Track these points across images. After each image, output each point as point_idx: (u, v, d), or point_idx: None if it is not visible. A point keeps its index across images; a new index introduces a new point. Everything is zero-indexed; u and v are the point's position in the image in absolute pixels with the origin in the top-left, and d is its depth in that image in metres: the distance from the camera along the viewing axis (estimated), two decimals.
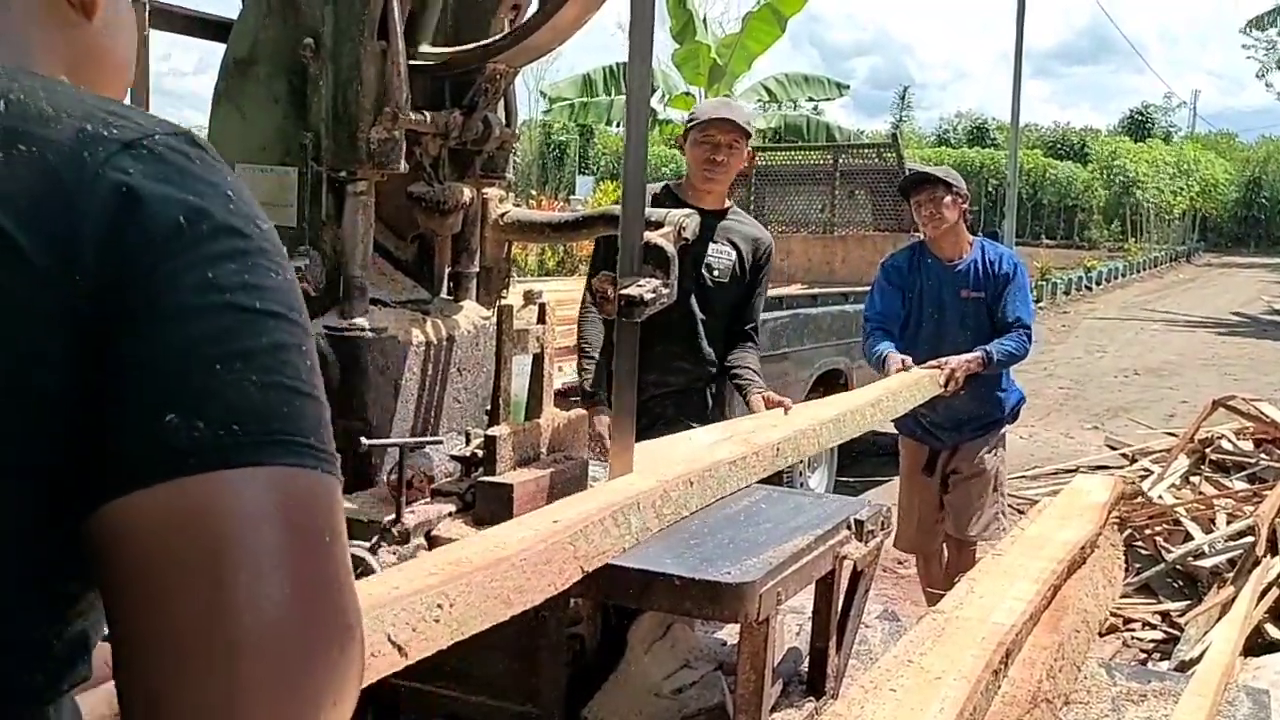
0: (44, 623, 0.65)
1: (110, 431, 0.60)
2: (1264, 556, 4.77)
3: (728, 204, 3.71)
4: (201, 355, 0.61)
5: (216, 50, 2.49)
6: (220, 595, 0.59)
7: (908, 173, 8.33)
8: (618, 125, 25.05)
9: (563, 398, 3.99)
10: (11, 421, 0.60)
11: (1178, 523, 5.54)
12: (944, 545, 4.66)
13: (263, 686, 0.59)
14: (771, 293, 7.18)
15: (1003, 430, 4.66)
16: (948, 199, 4.34)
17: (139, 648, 0.60)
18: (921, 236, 4.58)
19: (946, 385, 4.18)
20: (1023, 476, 7.65)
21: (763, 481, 2.56)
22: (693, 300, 3.40)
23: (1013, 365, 4.43)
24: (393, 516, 2.05)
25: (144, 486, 0.59)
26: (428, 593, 1.48)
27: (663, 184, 3.64)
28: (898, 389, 3.88)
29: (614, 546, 1.92)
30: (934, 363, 4.20)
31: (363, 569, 1.97)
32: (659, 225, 2.39)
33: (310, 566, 0.62)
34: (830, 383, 6.73)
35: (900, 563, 5.32)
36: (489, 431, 2.22)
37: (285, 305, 0.65)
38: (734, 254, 3.54)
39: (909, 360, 4.18)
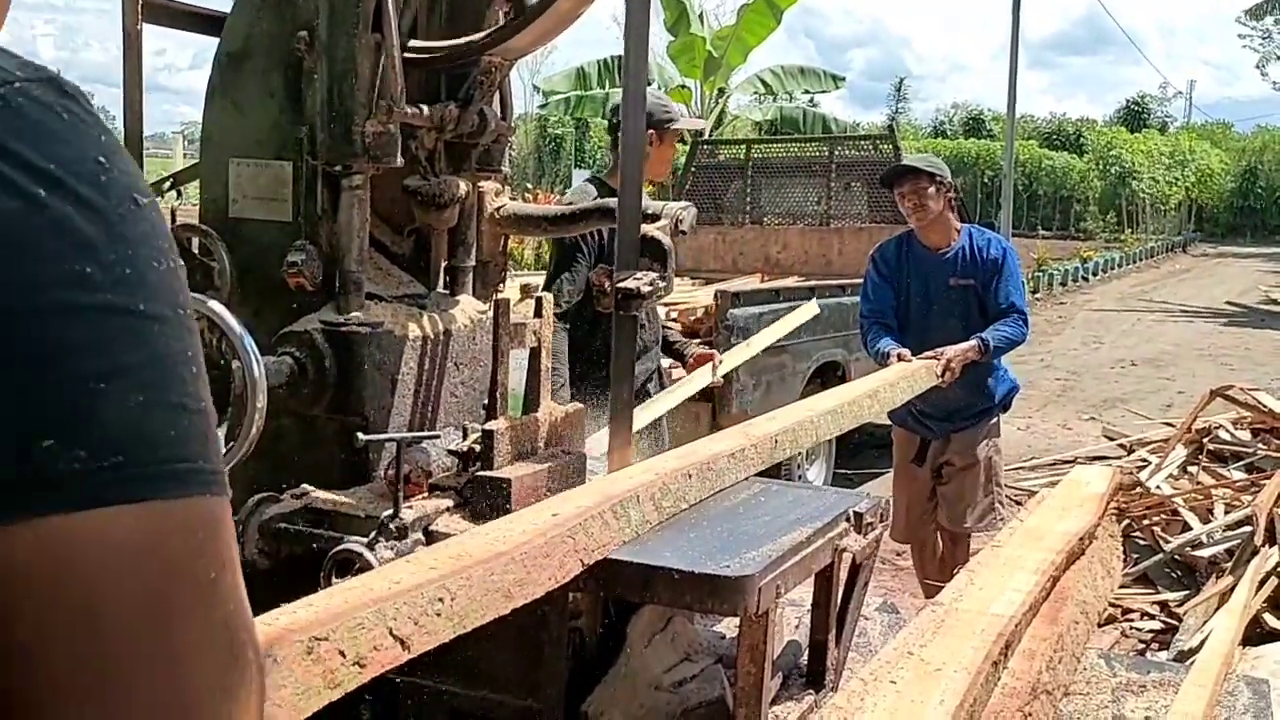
0: None
1: None
2: (1262, 546, 4.78)
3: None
4: (78, 369, 0.51)
5: (212, 45, 2.47)
6: (92, 655, 0.51)
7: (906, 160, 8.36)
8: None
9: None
10: None
11: (1175, 513, 5.54)
12: (939, 536, 4.66)
13: None
14: (768, 285, 7.21)
15: (995, 419, 4.63)
16: (931, 189, 4.33)
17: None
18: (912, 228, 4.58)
19: (943, 375, 4.17)
20: (1020, 468, 7.66)
21: (761, 474, 2.56)
22: None
23: (1010, 351, 4.41)
24: (390, 511, 2.05)
25: (3, 522, 0.50)
26: (429, 587, 1.48)
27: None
28: (894, 380, 3.88)
29: (614, 539, 1.91)
30: (930, 353, 4.19)
31: (360, 565, 1.96)
32: (656, 218, 2.38)
33: (199, 614, 0.54)
34: (828, 375, 6.73)
35: (898, 554, 5.32)
36: (486, 426, 2.21)
37: (170, 304, 0.55)
38: None
39: (906, 352, 4.17)
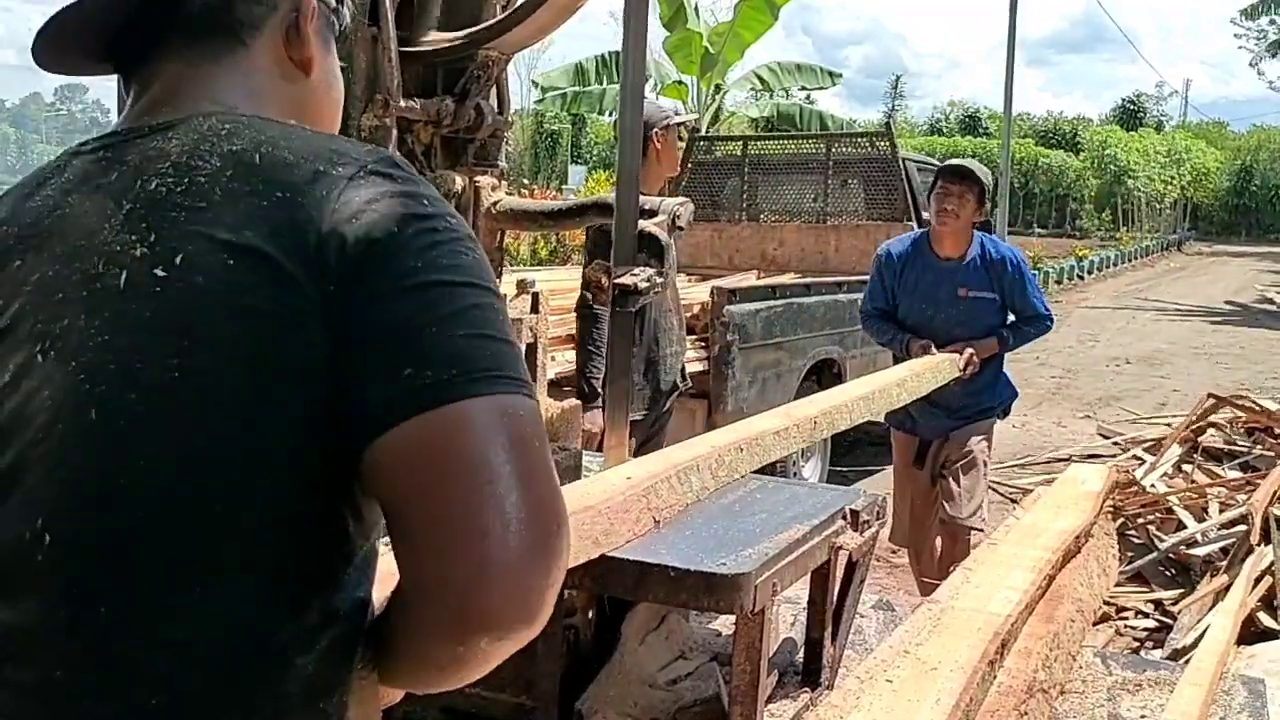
0: (333, 546, 0.87)
1: (354, 390, 0.81)
2: (1257, 545, 4.78)
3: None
4: (420, 322, 0.82)
5: None
6: (472, 492, 0.79)
7: (902, 160, 8.38)
8: (610, 114, 25.01)
9: (556, 388, 4.01)
10: (286, 390, 0.81)
11: (1171, 511, 5.55)
12: (938, 537, 4.64)
13: (505, 565, 0.79)
14: (764, 282, 7.20)
15: (992, 420, 4.65)
16: (973, 200, 4.33)
17: (410, 544, 0.81)
18: (928, 231, 4.54)
19: (966, 369, 4.27)
20: (1015, 465, 7.66)
21: (757, 471, 2.55)
22: None
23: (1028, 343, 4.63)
24: None
25: (399, 423, 0.80)
26: None
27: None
28: (921, 371, 4.03)
29: (679, 501, 2.14)
30: (954, 347, 4.29)
31: None
32: (653, 213, 2.38)
33: (530, 466, 0.81)
34: (823, 372, 6.72)
35: (894, 552, 5.32)
36: None
37: (477, 276, 0.86)
38: None
39: (931, 345, 4.28)
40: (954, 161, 4.59)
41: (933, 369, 4.12)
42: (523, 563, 0.79)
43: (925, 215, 7.93)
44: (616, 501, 1.93)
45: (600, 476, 2.12)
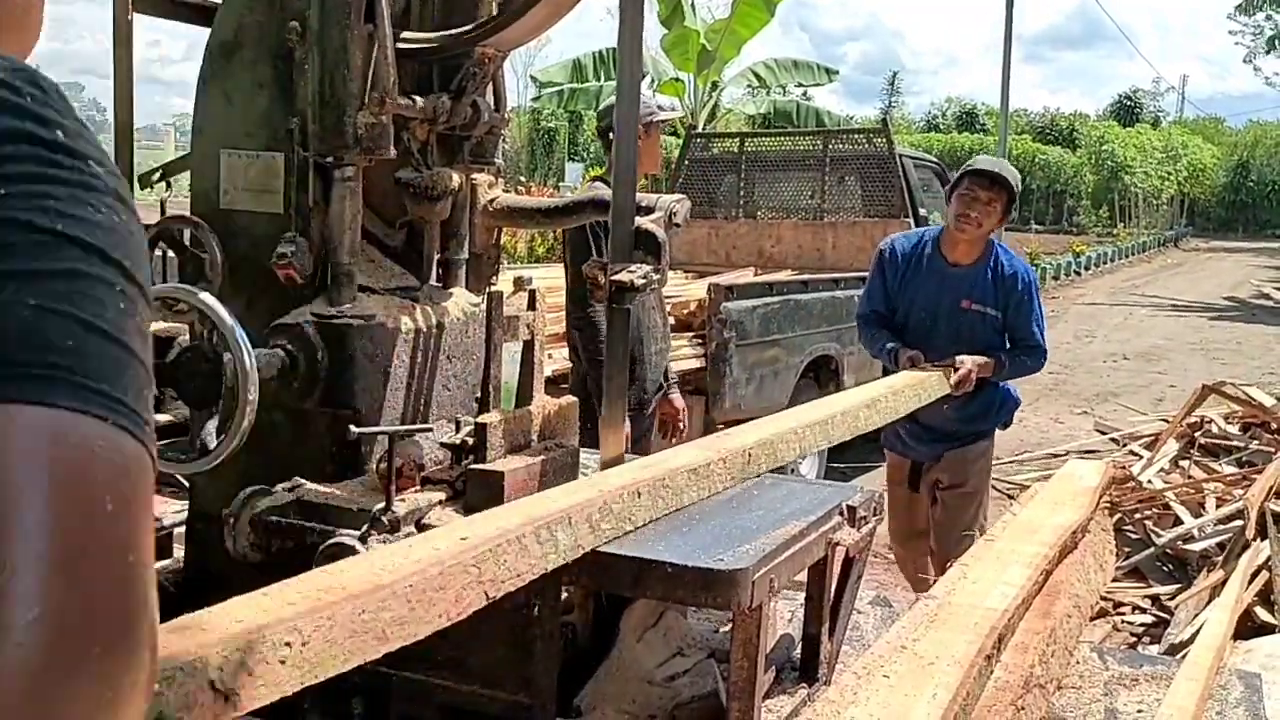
0: None
1: None
2: (1253, 540, 4.79)
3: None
4: None
5: (205, 36, 2.46)
6: None
7: (899, 157, 8.37)
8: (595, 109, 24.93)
9: (553, 384, 4.01)
10: None
11: (1167, 507, 5.56)
12: (927, 557, 4.38)
13: None
14: (761, 279, 7.20)
15: (990, 442, 4.29)
16: (1001, 208, 3.92)
17: None
18: (942, 231, 4.11)
19: (958, 386, 3.87)
20: (1013, 462, 7.67)
21: None
22: None
23: (1013, 379, 4.16)
24: (382, 505, 2.04)
25: None
26: (277, 627, 1.25)
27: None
28: (901, 387, 3.58)
29: (533, 567, 1.69)
30: (946, 361, 3.89)
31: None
32: (650, 211, 2.38)
33: (85, 534, 0.50)
34: (821, 369, 6.73)
35: (890, 548, 5.32)
36: (479, 419, 2.20)
37: (105, 243, 0.57)
38: None
39: (919, 355, 3.88)
40: (985, 161, 4.10)
41: (917, 385, 3.67)
42: (23, 688, 0.47)
43: (922, 212, 7.99)
44: (429, 576, 1.47)
45: (431, 535, 1.69)
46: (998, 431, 4.31)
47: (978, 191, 3.89)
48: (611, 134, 4.26)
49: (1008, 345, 4.08)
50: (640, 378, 4.07)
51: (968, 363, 3.88)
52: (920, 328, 4.04)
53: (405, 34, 2.43)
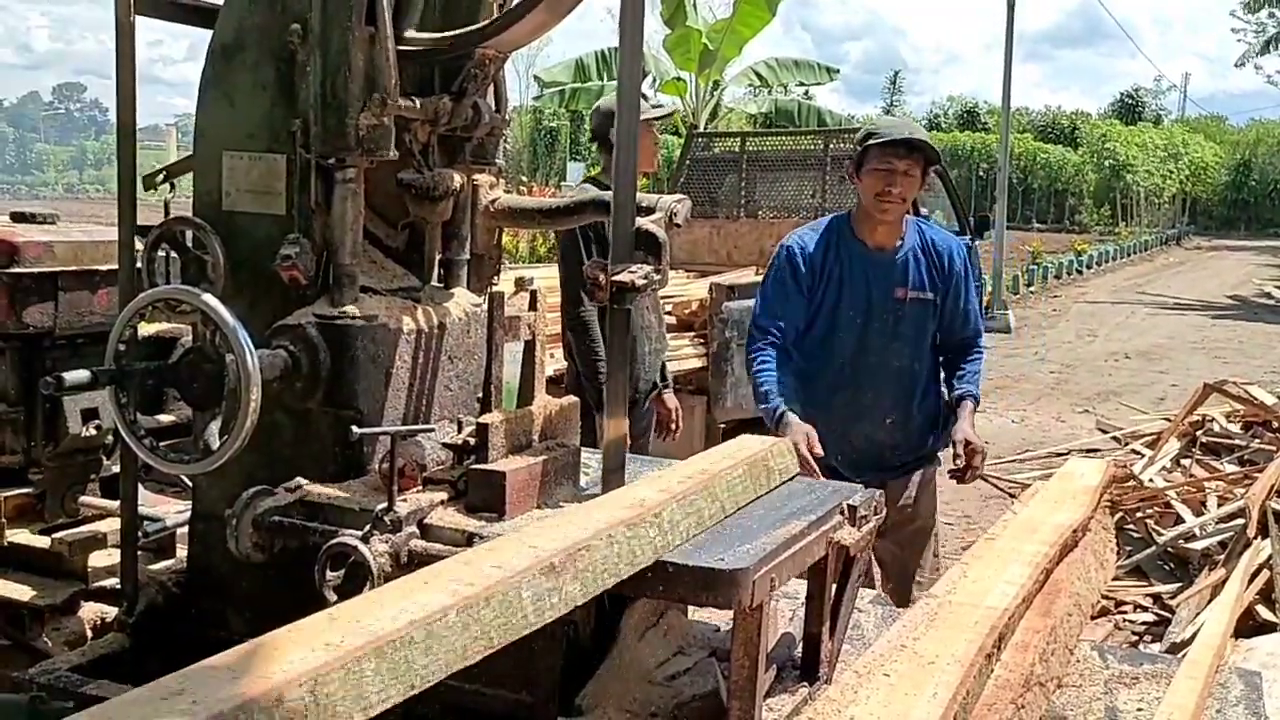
0: None
1: None
2: (1254, 539, 4.80)
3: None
4: None
5: (208, 37, 2.46)
6: None
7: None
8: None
9: (553, 385, 4.03)
10: None
11: (1169, 506, 5.56)
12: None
13: None
14: (761, 278, 7.20)
15: (935, 466, 3.73)
16: (918, 177, 3.41)
17: None
18: (851, 217, 3.53)
19: (967, 475, 3.38)
20: (1014, 460, 7.68)
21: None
22: None
23: None
24: (384, 505, 2.05)
25: None
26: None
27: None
28: (747, 464, 2.28)
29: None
30: (960, 448, 3.32)
31: (354, 558, 1.96)
32: (650, 210, 2.38)
33: None
34: None
35: None
36: (481, 419, 2.21)
37: None
38: None
39: (815, 442, 3.09)
40: (890, 125, 3.58)
41: (737, 478, 2.20)
42: None
43: (923, 210, 7.98)
44: None
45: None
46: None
47: (894, 162, 3.34)
48: (604, 137, 4.32)
49: (936, 339, 3.58)
50: (633, 376, 4.09)
51: (969, 438, 3.35)
52: (851, 329, 3.47)
53: (406, 35, 2.43)
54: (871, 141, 3.38)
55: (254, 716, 1.12)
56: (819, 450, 3.09)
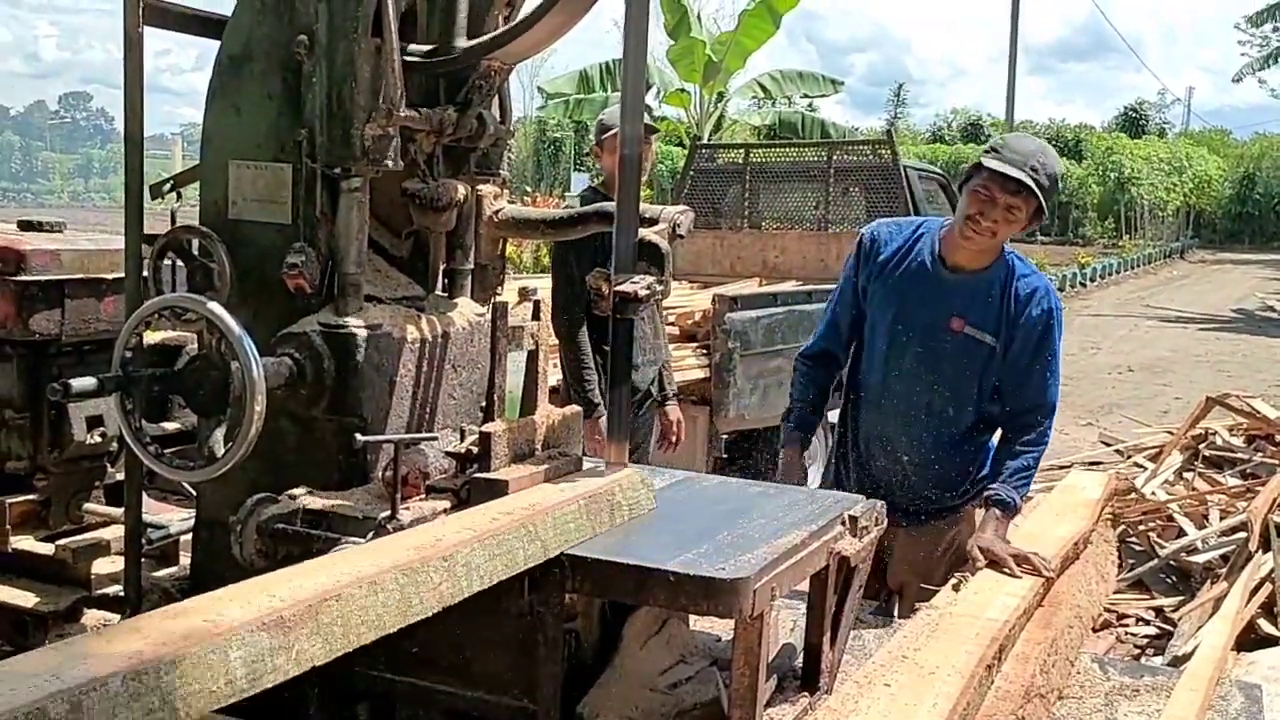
0: None
1: None
2: (1256, 552, 4.79)
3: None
4: None
5: (215, 47, 2.48)
6: None
7: (904, 168, 8.37)
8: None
9: (556, 395, 4.05)
10: None
11: (1171, 518, 5.56)
12: None
13: None
14: (765, 289, 7.22)
15: (966, 522, 3.25)
16: (1023, 220, 2.96)
17: None
18: (945, 227, 3.13)
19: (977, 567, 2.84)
20: None
21: (753, 476, 2.57)
22: None
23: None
24: (387, 513, 2.06)
25: None
26: None
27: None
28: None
29: None
30: (981, 558, 2.83)
31: None
32: (653, 222, 2.40)
33: None
34: None
35: None
36: (484, 428, 2.22)
37: None
38: None
39: (803, 461, 2.92)
40: (1013, 151, 2.95)
41: (568, 514, 2.03)
42: None
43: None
44: None
45: None
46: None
47: (995, 193, 2.92)
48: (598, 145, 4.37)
49: (997, 393, 3.10)
50: None
51: (985, 545, 2.86)
52: (889, 345, 3.13)
53: (411, 46, 2.45)
54: (986, 160, 2.95)
55: None
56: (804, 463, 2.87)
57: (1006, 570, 2.79)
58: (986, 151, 2.99)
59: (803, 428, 3.21)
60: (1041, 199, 2.91)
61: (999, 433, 3.17)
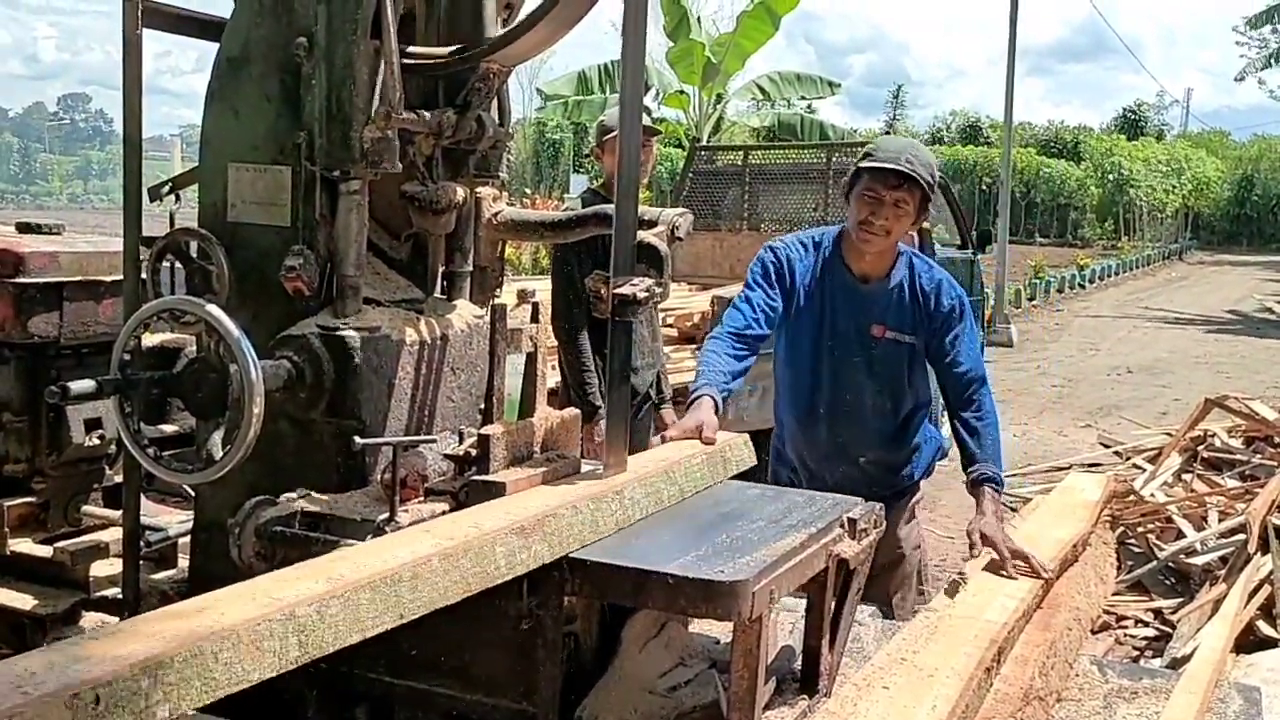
0: None
1: None
2: (1255, 554, 4.79)
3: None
4: None
5: (214, 49, 2.48)
6: None
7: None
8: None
9: (555, 397, 4.05)
10: None
11: (1170, 520, 5.56)
12: None
13: None
14: None
15: (919, 495, 3.51)
16: (913, 209, 3.09)
17: None
18: (840, 238, 3.25)
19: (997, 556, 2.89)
20: (1015, 475, 7.66)
21: (752, 479, 2.57)
22: None
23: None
24: (386, 515, 2.06)
25: None
26: None
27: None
28: (668, 467, 2.35)
29: None
30: (978, 545, 2.90)
31: None
32: (652, 224, 2.40)
33: None
34: None
35: None
36: (482, 430, 2.22)
37: None
38: None
39: (711, 424, 2.60)
40: (886, 149, 3.11)
41: (671, 472, 2.33)
42: None
43: (925, 225, 7.99)
44: None
45: None
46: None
47: (881, 191, 3.06)
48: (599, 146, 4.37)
49: (927, 378, 3.29)
50: None
51: (986, 532, 2.91)
52: (826, 361, 3.25)
53: (411, 49, 2.45)
54: (863, 164, 3.12)
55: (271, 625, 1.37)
56: (711, 438, 2.56)
57: (1003, 573, 2.83)
58: (862, 159, 3.14)
59: (713, 384, 2.91)
60: (925, 188, 3.06)
61: (945, 415, 3.36)
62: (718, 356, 3.02)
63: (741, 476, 2.60)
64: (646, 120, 4.60)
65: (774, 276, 3.21)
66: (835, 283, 3.22)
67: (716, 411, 2.76)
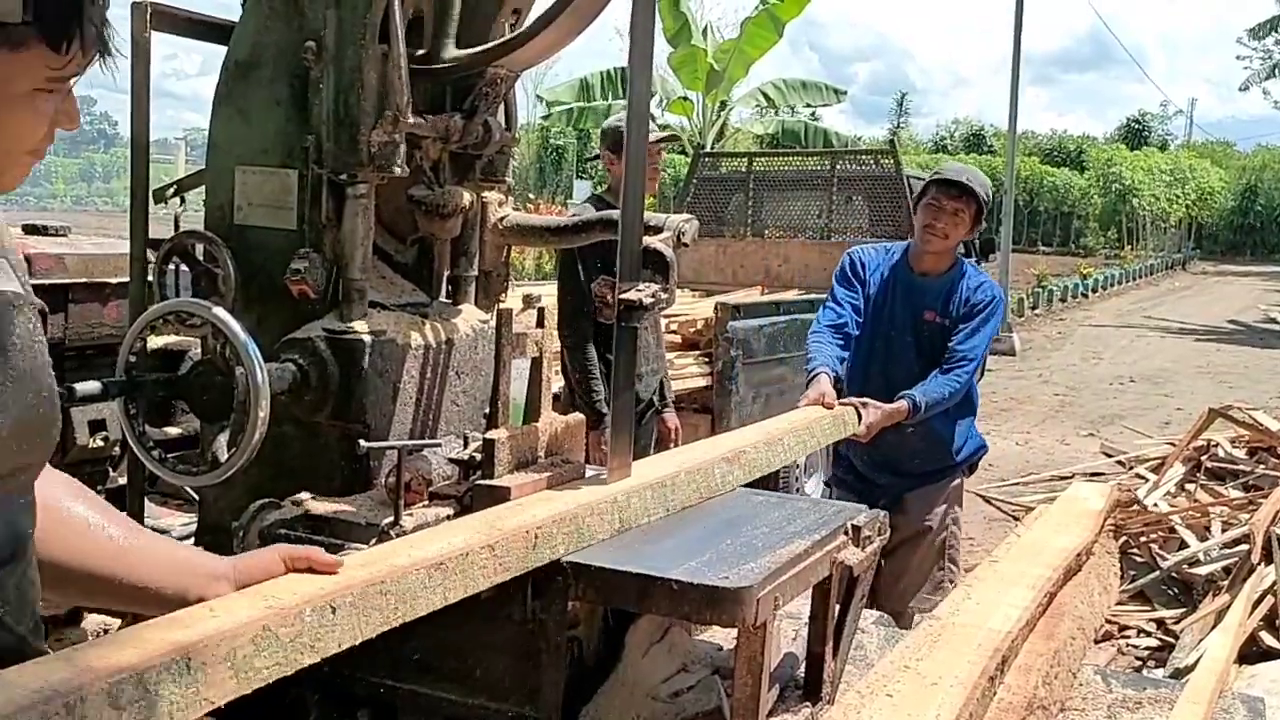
0: None
1: None
2: (1259, 564, 4.78)
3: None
4: None
5: (222, 52, 2.49)
6: None
7: (906, 177, 8.38)
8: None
9: (559, 401, 4.05)
10: None
11: (1173, 530, 5.56)
12: None
13: None
14: (769, 298, 7.22)
15: (958, 480, 4.03)
16: (969, 219, 3.71)
17: None
18: (910, 244, 3.90)
19: (865, 432, 3.46)
20: (1018, 483, 7.66)
21: (753, 485, 2.56)
22: None
23: (943, 408, 3.68)
24: (391, 519, 2.06)
25: None
26: None
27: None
28: (800, 426, 3.04)
29: None
30: (853, 400, 3.46)
31: None
32: (658, 230, 2.40)
33: None
34: None
35: None
36: (487, 435, 2.22)
37: None
38: None
39: (830, 394, 3.34)
40: (951, 169, 3.89)
41: (815, 424, 3.15)
42: None
43: None
44: None
45: None
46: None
47: (944, 201, 3.69)
48: (611, 151, 4.38)
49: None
50: None
51: (871, 413, 3.45)
52: (883, 343, 3.83)
53: (418, 53, 2.45)
54: (931, 178, 3.84)
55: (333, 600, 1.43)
56: (831, 404, 3.31)
57: (867, 416, 3.43)
58: (931, 176, 3.88)
59: (827, 364, 3.53)
60: (979, 201, 3.69)
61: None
62: (823, 344, 3.65)
63: (756, 484, 2.59)
64: (655, 126, 4.62)
65: (851, 276, 3.89)
66: (898, 278, 3.84)
67: (833, 385, 3.42)
